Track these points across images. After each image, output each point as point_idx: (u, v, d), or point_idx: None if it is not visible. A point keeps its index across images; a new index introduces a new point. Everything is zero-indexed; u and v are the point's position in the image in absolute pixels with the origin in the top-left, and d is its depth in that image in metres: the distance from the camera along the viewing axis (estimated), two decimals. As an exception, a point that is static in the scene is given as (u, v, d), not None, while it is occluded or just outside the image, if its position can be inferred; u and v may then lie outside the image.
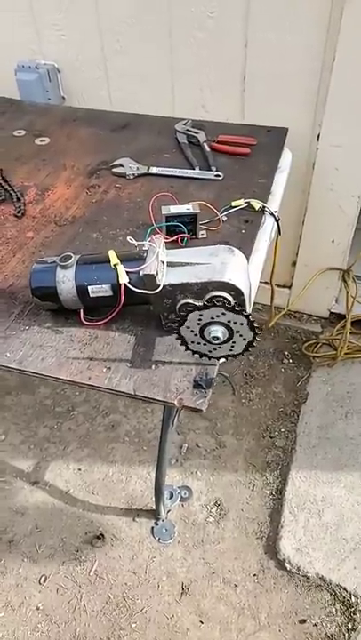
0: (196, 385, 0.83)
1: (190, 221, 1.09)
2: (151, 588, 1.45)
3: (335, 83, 1.48)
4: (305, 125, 1.62)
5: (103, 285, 0.87)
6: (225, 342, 0.83)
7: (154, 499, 1.55)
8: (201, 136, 1.45)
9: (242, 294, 0.84)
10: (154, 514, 1.59)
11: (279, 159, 1.40)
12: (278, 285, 2.03)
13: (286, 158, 1.43)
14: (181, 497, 1.63)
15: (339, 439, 1.76)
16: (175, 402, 0.81)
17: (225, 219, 1.17)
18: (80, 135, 1.53)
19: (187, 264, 0.87)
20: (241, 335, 0.82)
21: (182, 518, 1.59)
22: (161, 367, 0.86)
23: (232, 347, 0.84)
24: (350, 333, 1.96)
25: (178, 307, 0.87)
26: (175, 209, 1.09)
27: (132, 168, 1.34)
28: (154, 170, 1.34)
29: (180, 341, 0.84)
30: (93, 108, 1.72)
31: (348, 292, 1.99)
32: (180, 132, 1.48)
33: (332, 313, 2.11)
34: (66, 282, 0.88)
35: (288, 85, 1.56)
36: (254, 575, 1.48)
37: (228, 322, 0.80)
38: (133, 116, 1.61)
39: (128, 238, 0.92)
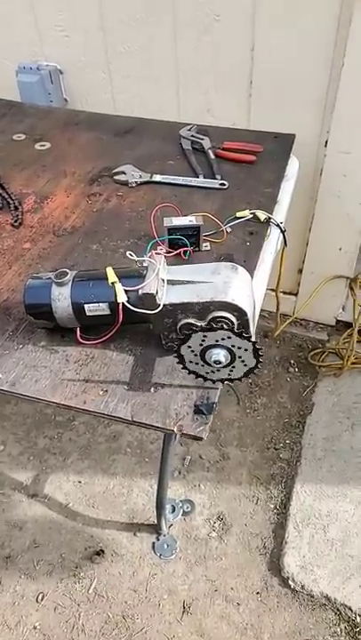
0: (197, 410, 0.79)
1: (193, 234, 1.05)
2: (152, 607, 1.41)
3: (344, 88, 1.43)
4: (312, 131, 1.58)
5: (100, 304, 0.83)
6: (225, 366, 0.79)
7: (155, 514, 1.51)
8: (206, 142, 1.41)
9: (245, 315, 0.80)
10: (155, 528, 1.55)
11: (286, 167, 1.36)
12: (284, 292, 2.00)
13: (293, 166, 1.39)
14: (184, 511, 1.60)
15: (344, 452, 1.72)
16: (175, 429, 0.77)
17: (229, 230, 1.13)
18: (82, 140, 1.49)
19: (188, 282, 0.83)
20: (243, 361, 0.78)
21: (184, 533, 1.56)
22: (160, 390, 0.82)
23: (231, 371, 0.80)
24: (357, 342, 1.92)
25: (179, 326, 0.83)
26: (178, 221, 1.05)
27: (134, 176, 1.31)
28: (157, 177, 1.30)
29: (177, 360, 0.80)
30: (96, 111, 1.69)
31: (355, 301, 1.94)
32: (184, 137, 1.44)
33: (338, 321, 2.07)
34: (61, 300, 0.84)
35: (296, 91, 1.51)
36: (257, 593, 1.44)
37: (233, 346, 0.76)
38: (137, 120, 1.57)
39: (128, 253, 0.88)
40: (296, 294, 2.03)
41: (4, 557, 1.51)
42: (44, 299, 0.85)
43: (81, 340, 0.88)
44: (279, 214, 1.22)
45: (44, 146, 1.46)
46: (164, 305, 0.81)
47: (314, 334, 2.08)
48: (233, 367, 0.79)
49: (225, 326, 0.79)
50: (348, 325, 2.01)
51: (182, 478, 1.68)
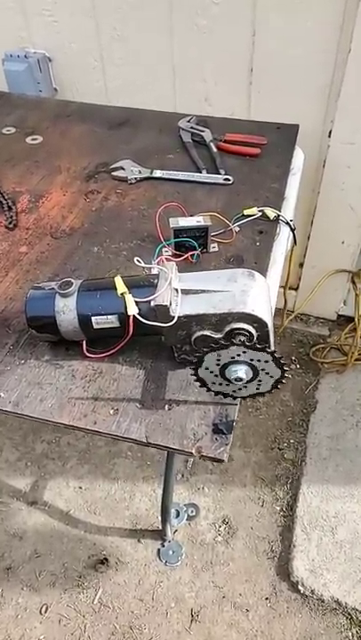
0: (216, 430, 0.74)
1: (201, 235, 0.99)
2: (159, 616, 1.37)
3: (350, 76, 1.37)
4: (316, 121, 1.52)
5: (109, 316, 0.77)
6: (250, 381, 0.73)
7: (159, 519, 1.47)
8: (207, 135, 1.34)
9: (266, 326, 0.75)
10: (160, 534, 1.51)
11: (291, 160, 1.30)
12: (284, 287, 1.95)
13: (299, 159, 1.33)
14: (188, 515, 1.56)
15: (350, 450, 1.69)
16: (193, 451, 0.72)
17: (238, 229, 1.07)
18: (75, 133, 1.42)
19: (203, 291, 0.77)
20: (268, 373, 0.73)
21: (190, 538, 1.52)
22: (175, 408, 0.77)
23: (258, 385, 0.75)
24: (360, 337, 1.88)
25: (193, 339, 0.77)
26: (184, 222, 0.98)
27: (133, 171, 1.24)
28: (157, 173, 1.23)
29: (199, 384, 0.75)
30: (88, 100, 1.61)
31: (357, 295, 1.90)
32: (183, 129, 1.37)
33: (340, 315, 2.02)
34: (66, 312, 0.78)
35: (298, 78, 1.45)
36: (266, 599, 1.41)
37: (252, 360, 0.71)
38: (132, 111, 1.50)
39: (135, 259, 0.82)
40: (296, 289, 1.98)
41: (5, 569, 1.46)
42: (47, 311, 0.79)
43: (87, 354, 0.82)
44: (288, 211, 1.17)
45: (35, 140, 1.39)
46: (178, 317, 0.75)
47: (315, 329, 2.04)
48: (260, 381, 0.74)
49: (242, 338, 0.74)
50: (350, 320, 1.97)
51: (185, 481, 1.64)
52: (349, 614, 1.36)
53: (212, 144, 1.31)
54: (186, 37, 1.48)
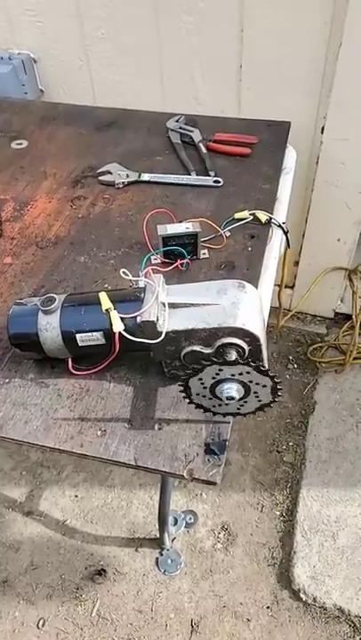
0: (208, 450, 0.71)
1: (190, 242, 0.96)
2: (159, 628, 1.35)
3: (342, 70, 1.33)
4: (308, 117, 1.48)
5: (94, 333, 0.74)
6: (246, 396, 0.70)
7: (157, 527, 1.45)
8: (196, 135, 1.30)
9: (258, 340, 0.72)
10: (158, 543, 1.49)
11: (283, 159, 1.26)
12: (280, 285, 1.91)
13: (291, 158, 1.29)
14: (186, 522, 1.53)
15: (350, 452, 1.66)
16: (184, 474, 0.69)
17: (228, 234, 1.04)
18: (61, 136, 1.38)
19: (191, 305, 0.74)
20: (257, 396, 0.70)
21: (188, 546, 1.49)
22: (165, 427, 0.74)
23: (241, 405, 0.72)
24: (359, 335, 1.85)
25: (183, 355, 0.74)
26: (173, 228, 0.95)
27: (121, 175, 1.20)
28: (146, 177, 1.20)
29: (181, 390, 0.71)
30: (75, 101, 1.56)
31: (354, 293, 1.87)
32: (172, 130, 1.33)
33: (337, 313, 2.00)
34: (50, 329, 0.75)
35: (289, 74, 1.41)
36: (268, 607, 1.39)
37: (250, 382, 0.68)
38: (120, 111, 1.46)
39: (121, 272, 0.79)
40: (292, 287, 1.95)
41: (1, 582, 1.43)
42: (30, 329, 0.76)
43: (73, 371, 0.78)
44: (280, 213, 1.13)
45: (20, 144, 1.35)
46: (166, 333, 0.72)
47: (312, 328, 2.01)
48: (245, 402, 0.71)
49: (235, 354, 0.70)
50: (348, 317, 1.94)
51: (183, 487, 1.61)
52: (353, 622, 1.34)
53: (201, 144, 1.28)
54: (173, 35, 1.44)
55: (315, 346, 1.93)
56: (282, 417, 1.78)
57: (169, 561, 1.46)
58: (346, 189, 1.59)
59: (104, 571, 1.44)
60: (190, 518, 1.54)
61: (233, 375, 0.67)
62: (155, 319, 0.71)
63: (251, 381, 0.67)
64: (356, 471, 1.61)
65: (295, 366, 1.92)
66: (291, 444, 1.71)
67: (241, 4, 1.32)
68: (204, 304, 0.73)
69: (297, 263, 1.88)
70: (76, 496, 1.60)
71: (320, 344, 1.93)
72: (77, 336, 0.75)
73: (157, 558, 1.47)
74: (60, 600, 1.40)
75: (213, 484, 0.68)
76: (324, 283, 1.87)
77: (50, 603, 1.39)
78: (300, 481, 1.60)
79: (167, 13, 1.40)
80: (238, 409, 0.72)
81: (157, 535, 1.48)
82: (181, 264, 0.95)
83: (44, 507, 1.57)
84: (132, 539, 1.51)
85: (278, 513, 1.56)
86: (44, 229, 1.09)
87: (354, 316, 1.89)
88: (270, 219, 1.07)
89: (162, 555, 1.47)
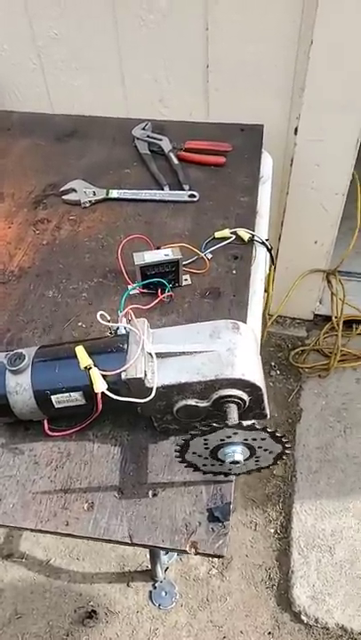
0: (212, 517, 0.63)
1: (172, 270, 0.87)
2: (157, 668, 1.28)
3: (314, 69, 1.26)
4: (280, 118, 1.41)
5: (72, 393, 0.65)
6: (248, 458, 0.63)
7: (148, 557, 1.37)
8: (165, 143, 1.21)
9: (259, 390, 0.64)
10: (150, 575, 1.41)
11: (260, 167, 1.19)
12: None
13: (267, 165, 1.22)
14: (178, 550, 1.46)
15: (340, 460, 1.62)
16: (187, 548, 0.61)
17: (210, 257, 0.96)
18: (17, 150, 1.26)
19: (182, 354, 0.65)
20: (266, 450, 0.62)
21: (182, 575, 1.42)
22: (161, 493, 0.66)
23: (257, 460, 0.64)
24: (335, 336, 1.81)
25: (176, 409, 0.66)
26: (151, 256, 0.86)
27: (87, 193, 1.10)
28: (114, 194, 1.10)
29: (179, 450, 0.63)
30: (30, 109, 1.45)
31: (334, 295, 1.82)
32: (139, 139, 1.24)
33: (316, 315, 1.95)
34: (20, 391, 0.65)
35: (258, 73, 1.33)
36: (269, 633, 1.33)
37: (246, 440, 0.60)
38: (80, 119, 1.35)
39: (98, 315, 0.70)
40: (268, 291, 1.89)
41: (-16, 634, 1.33)
42: (-3, 392, 0.66)
43: (50, 433, 0.69)
44: (262, 229, 1.05)
45: (-28, 161, 1.23)
46: (156, 388, 0.63)
47: (292, 331, 1.96)
48: (258, 457, 0.63)
49: (236, 408, 0.63)
50: (327, 319, 1.90)
51: (172, 511, 1.53)
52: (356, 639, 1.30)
53: (171, 154, 1.19)
54: (132, 34, 1.33)
55: (296, 350, 1.88)
56: (269, 426, 1.71)
57: (163, 593, 1.39)
58: (321, 191, 1.52)
59: (95, 612, 1.35)
60: (182, 544, 1.47)
61: (246, 440, 0.59)
62: (142, 375, 0.62)
63: (260, 447, 0.60)
64: (348, 479, 1.56)
65: (278, 372, 1.86)
66: (279, 455, 1.65)
67: (205, 3, 1.23)
68: (196, 352, 0.65)
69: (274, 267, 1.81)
70: (60, 530, 1.50)
71: (302, 348, 1.88)
72: (53, 397, 0.65)
73: (151, 592, 1.39)
74: (49, 648, 1.31)
75: (221, 557, 0.60)
76: (303, 285, 1.81)
77: (39, 652, 1.30)
78: (293, 495, 1.55)
79: (125, 11, 1.30)
80: (256, 464, 0.65)
81: (149, 566, 1.40)
82: (164, 297, 0.86)
83: (25, 547, 1.47)
84: (122, 573, 1.43)
85: (273, 530, 1.50)
86: (4, 260, 0.98)
87: (334, 318, 1.85)
88: (253, 236, 0.99)
89: (155, 587, 1.40)
